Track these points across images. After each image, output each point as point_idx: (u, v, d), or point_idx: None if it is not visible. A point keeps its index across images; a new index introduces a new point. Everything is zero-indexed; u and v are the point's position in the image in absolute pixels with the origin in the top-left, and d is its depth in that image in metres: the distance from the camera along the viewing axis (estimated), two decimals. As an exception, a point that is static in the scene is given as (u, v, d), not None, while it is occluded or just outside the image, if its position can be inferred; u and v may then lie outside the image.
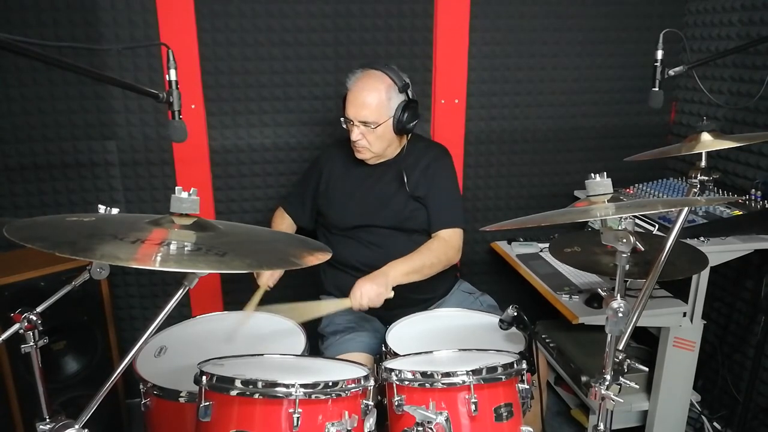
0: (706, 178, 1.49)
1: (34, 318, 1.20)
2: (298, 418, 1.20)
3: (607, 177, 1.22)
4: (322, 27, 2.27)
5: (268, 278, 1.91)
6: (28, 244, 0.93)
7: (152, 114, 2.23)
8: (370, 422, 1.29)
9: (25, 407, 1.95)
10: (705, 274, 2.00)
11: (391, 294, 1.76)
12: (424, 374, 1.32)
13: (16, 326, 1.19)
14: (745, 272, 2.23)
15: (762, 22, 2.15)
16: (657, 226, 2.02)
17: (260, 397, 1.23)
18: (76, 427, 0.99)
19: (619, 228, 1.16)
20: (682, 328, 2.07)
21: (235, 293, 2.44)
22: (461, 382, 1.30)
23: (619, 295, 1.16)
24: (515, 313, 1.46)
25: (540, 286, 2.17)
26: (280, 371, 1.37)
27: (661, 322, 2.07)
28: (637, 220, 2.07)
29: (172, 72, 1.37)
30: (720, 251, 1.96)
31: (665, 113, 2.64)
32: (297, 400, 1.21)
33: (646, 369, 1.90)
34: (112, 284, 2.27)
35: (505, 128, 2.53)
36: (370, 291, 1.73)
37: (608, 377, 1.19)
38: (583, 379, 2.18)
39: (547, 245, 2.41)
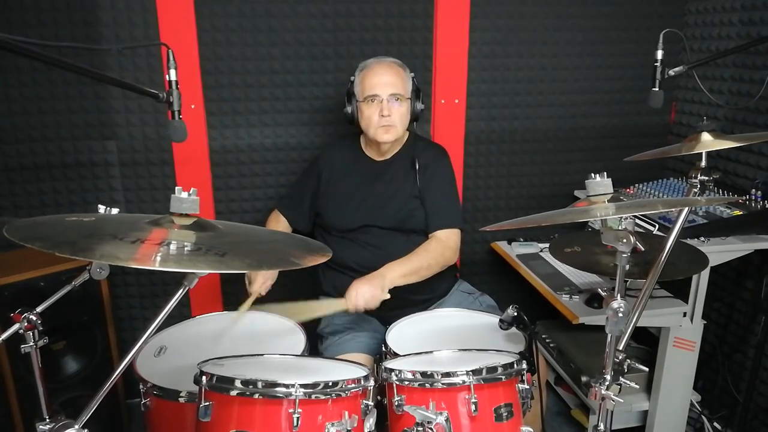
0: (706, 178, 1.49)
1: (34, 318, 1.20)
2: (298, 418, 1.20)
3: (607, 177, 1.22)
4: (322, 27, 2.27)
5: (259, 285, 1.88)
6: (28, 244, 0.93)
7: (152, 114, 2.23)
8: (370, 422, 1.29)
9: (25, 407, 1.94)
10: (705, 274, 2.00)
11: (387, 296, 1.76)
12: (424, 374, 1.32)
13: (16, 326, 1.19)
14: (745, 272, 2.23)
15: (762, 22, 2.15)
16: (657, 226, 2.02)
17: (260, 397, 1.23)
18: (76, 427, 0.99)
19: (620, 228, 1.16)
20: (682, 328, 2.07)
21: (234, 293, 2.43)
22: (461, 382, 1.30)
23: (619, 295, 1.16)
24: (515, 313, 1.46)
25: (540, 286, 2.17)
26: (280, 371, 1.37)
27: (661, 322, 2.07)
28: (637, 220, 2.07)
29: (172, 72, 1.38)
30: (720, 251, 1.95)
31: (665, 113, 2.64)
32: (297, 400, 1.21)
33: (646, 369, 1.89)
34: (112, 284, 2.27)
35: (505, 128, 2.53)
36: (366, 292, 1.73)
37: (608, 377, 1.20)
38: (583, 379, 2.18)
39: (547, 245, 2.41)
